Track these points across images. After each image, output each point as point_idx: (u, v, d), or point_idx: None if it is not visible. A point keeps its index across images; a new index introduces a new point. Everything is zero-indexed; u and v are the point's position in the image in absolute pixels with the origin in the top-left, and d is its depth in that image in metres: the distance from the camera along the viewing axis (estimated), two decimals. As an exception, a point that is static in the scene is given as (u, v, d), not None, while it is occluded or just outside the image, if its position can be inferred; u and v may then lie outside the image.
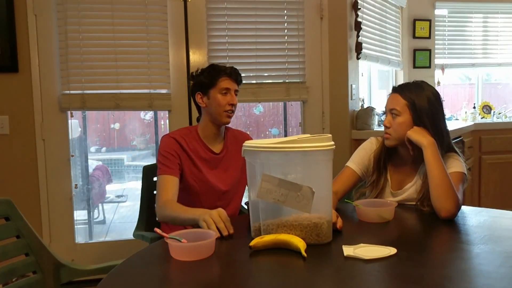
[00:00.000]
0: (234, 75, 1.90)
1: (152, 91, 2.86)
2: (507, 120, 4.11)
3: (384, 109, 1.76)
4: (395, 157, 1.78)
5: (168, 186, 1.77)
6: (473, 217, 1.59)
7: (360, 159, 1.79)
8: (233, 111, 1.90)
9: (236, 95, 1.92)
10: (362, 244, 1.25)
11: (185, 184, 1.88)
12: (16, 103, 2.69)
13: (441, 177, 1.54)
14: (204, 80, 1.90)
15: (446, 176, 1.54)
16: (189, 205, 1.81)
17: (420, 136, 1.61)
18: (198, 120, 2.00)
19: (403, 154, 1.74)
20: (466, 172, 1.65)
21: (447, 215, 1.50)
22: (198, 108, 1.97)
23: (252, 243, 1.25)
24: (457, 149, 1.72)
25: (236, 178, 1.96)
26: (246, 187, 2.02)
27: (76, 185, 2.86)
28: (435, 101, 1.68)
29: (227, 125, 2.00)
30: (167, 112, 2.92)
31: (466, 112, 4.21)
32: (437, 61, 4.29)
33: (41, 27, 2.70)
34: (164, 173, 1.80)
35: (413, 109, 1.65)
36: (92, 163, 4.63)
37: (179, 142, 1.86)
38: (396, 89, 1.72)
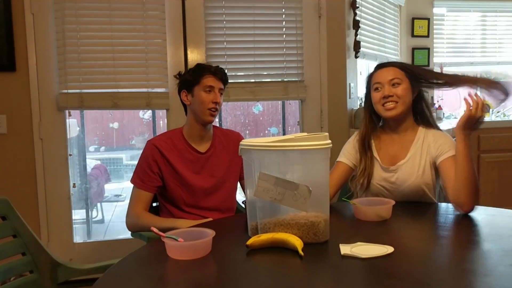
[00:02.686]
0: (218, 73, 1.91)
1: (150, 90, 2.86)
2: (506, 118, 4.12)
3: (372, 86, 1.79)
4: (380, 132, 1.84)
5: (141, 200, 1.89)
6: (471, 215, 1.59)
7: (347, 152, 1.85)
8: (216, 110, 1.90)
9: (221, 94, 1.93)
10: (359, 243, 1.25)
11: (168, 188, 1.92)
12: (14, 102, 2.68)
13: (471, 173, 1.55)
14: (188, 78, 1.92)
15: (475, 172, 1.57)
16: (176, 205, 1.92)
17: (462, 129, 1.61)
18: None
19: (393, 128, 1.80)
20: None
21: (468, 210, 1.54)
22: (185, 106, 1.99)
23: (249, 242, 1.25)
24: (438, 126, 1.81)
25: (223, 177, 1.97)
26: (239, 185, 2.05)
27: (74, 184, 2.86)
28: None
29: (215, 125, 2.03)
30: (165, 111, 2.92)
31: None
32: (436, 59, 4.29)
33: (39, 26, 2.70)
34: (139, 187, 1.90)
35: (410, 76, 1.74)
36: (91, 162, 4.62)
37: (160, 150, 1.89)
38: (386, 64, 1.80)
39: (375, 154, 1.80)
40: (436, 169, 1.73)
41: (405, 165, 1.73)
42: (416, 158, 1.73)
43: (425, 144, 1.74)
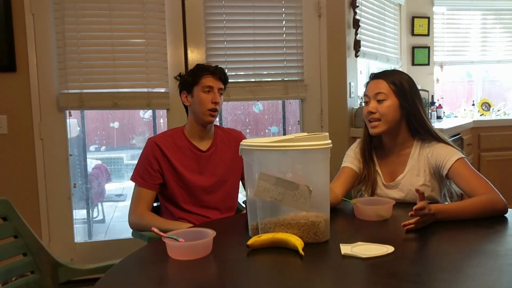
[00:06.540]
0: (217, 73, 1.91)
1: (150, 90, 2.86)
2: (506, 117, 4.11)
3: (364, 98, 1.74)
4: (380, 147, 1.80)
5: (144, 199, 1.88)
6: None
7: (351, 158, 1.82)
8: (216, 110, 1.89)
9: (221, 94, 1.93)
10: (359, 243, 1.25)
11: (168, 186, 1.92)
12: (14, 102, 2.68)
13: (475, 210, 1.48)
14: (187, 79, 1.92)
15: (475, 205, 1.51)
16: (176, 204, 1.92)
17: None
18: None
19: (388, 143, 1.76)
20: (465, 156, 1.65)
21: (503, 213, 1.51)
22: (186, 107, 1.99)
23: (250, 242, 1.25)
24: (444, 138, 1.71)
25: (224, 176, 1.97)
26: (241, 185, 2.05)
27: (75, 184, 2.86)
28: (415, 86, 1.72)
29: (216, 124, 2.03)
30: (165, 110, 2.92)
31: (465, 110, 4.21)
32: (436, 58, 4.29)
33: (39, 26, 2.70)
34: (140, 186, 1.89)
35: (399, 93, 1.66)
36: (91, 162, 4.63)
37: (160, 147, 1.89)
38: (378, 75, 1.72)
39: (378, 168, 1.78)
40: (441, 177, 1.70)
41: (404, 179, 1.72)
42: (414, 171, 1.70)
43: (421, 156, 1.70)
